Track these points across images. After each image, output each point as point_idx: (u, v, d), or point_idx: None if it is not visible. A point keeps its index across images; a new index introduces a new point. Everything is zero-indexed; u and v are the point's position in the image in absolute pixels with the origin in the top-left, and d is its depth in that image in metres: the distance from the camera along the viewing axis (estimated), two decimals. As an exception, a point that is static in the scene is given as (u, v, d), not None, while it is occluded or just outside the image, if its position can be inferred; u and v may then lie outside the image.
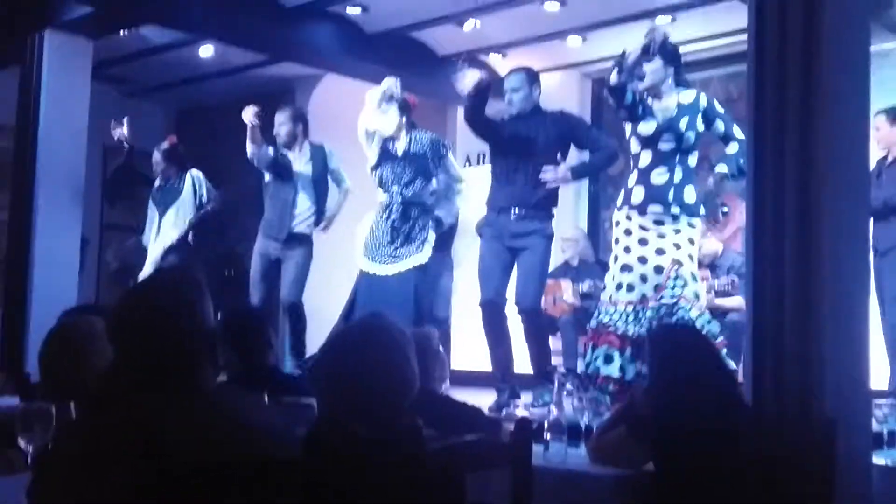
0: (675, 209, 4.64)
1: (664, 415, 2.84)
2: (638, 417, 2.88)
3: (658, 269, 4.58)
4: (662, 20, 6.57)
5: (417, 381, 2.15)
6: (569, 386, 3.46)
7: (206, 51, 7.97)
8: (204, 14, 6.68)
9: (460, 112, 8.79)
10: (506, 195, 5.23)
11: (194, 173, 7.01)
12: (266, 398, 2.71)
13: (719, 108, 4.84)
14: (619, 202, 4.80)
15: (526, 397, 5.17)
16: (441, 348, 3.48)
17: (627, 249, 4.64)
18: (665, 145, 4.63)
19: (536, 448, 2.59)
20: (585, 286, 6.78)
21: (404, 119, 5.64)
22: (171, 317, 1.73)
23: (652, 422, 2.84)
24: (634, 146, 4.74)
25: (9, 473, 2.24)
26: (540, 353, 5.23)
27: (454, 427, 2.41)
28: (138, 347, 1.72)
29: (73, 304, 6.34)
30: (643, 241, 4.61)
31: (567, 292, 6.83)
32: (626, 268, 4.64)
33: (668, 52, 4.74)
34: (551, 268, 7.19)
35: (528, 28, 7.25)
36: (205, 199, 6.94)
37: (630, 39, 7.20)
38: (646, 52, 4.55)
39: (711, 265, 6.37)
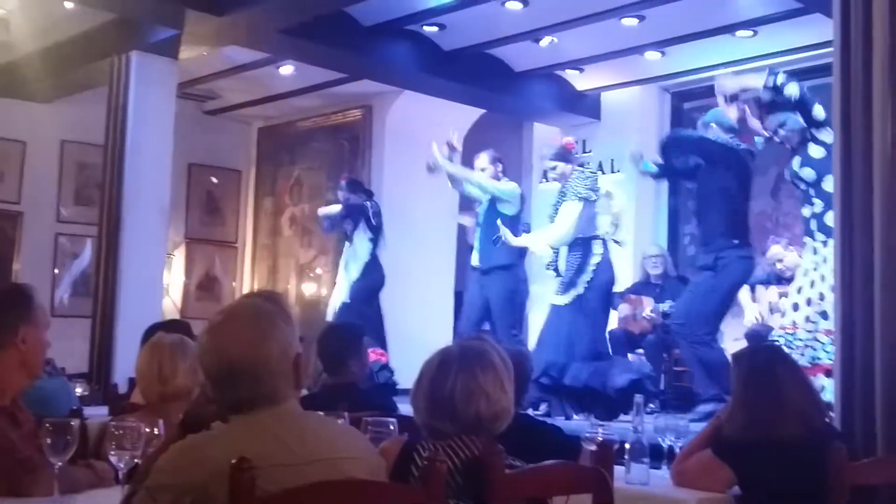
0: None
1: (745, 436, 2.78)
2: (723, 439, 2.83)
3: None
4: (743, 34, 6.46)
5: (512, 409, 2.16)
6: (651, 406, 3.41)
7: (287, 69, 8.13)
8: (284, 34, 6.80)
9: (536, 128, 8.85)
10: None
11: (368, 204, 7.49)
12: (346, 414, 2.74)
13: None
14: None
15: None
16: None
17: (812, 284, 4.86)
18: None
19: (618, 469, 2.56)
20: (666, 306, 6.66)
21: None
22: (253, 347, 1.75)
23: (735, 443, 2.79)
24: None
25: (98, 486, 2.30)
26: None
27: (534, 448, 2.39)
28: (225, 376, 1.75)
29: (158, 317, 6.51)
30: (823, 277, 4.78)
31: (647, 309, 6.75)
32: (809, 302, 4.85)
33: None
34: (630, 284, 7.16)
35: (606, 43, 7.21)
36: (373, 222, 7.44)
37: (708, 54, 7.17)
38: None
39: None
